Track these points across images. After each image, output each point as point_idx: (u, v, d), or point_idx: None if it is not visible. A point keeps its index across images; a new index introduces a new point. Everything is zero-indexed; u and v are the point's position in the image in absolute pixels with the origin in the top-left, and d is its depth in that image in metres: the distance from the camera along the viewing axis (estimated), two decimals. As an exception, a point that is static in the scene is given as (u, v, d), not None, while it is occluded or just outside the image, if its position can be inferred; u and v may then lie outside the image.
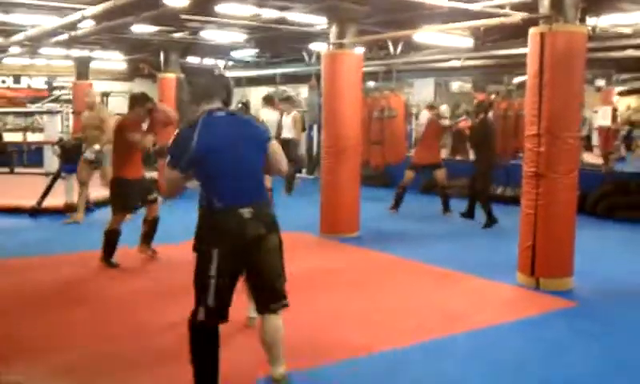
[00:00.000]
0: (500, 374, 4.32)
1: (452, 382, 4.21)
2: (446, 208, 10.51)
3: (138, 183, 6.94)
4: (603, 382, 4.26)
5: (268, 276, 3.70)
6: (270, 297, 3.72)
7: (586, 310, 5.78)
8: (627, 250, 8.29)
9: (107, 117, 9.77)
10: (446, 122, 11.17)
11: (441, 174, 10.53)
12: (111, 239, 6.94)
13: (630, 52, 11.36)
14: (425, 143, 10.50)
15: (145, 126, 6.96)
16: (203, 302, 3.57)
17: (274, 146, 3.85)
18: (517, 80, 15.55)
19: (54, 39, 12.16)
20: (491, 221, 9.49)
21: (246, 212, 3.57)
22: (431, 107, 11.30)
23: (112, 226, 6.95)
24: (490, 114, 12.03)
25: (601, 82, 19.11)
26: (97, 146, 9.47)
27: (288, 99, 12.72)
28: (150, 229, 7.22)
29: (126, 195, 6.88)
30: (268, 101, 12.41)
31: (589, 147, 16.63)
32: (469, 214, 10.09)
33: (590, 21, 9.53)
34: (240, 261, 3.63)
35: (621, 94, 20.30)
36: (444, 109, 11.60)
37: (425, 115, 10.58)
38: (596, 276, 6.80)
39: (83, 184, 9.60)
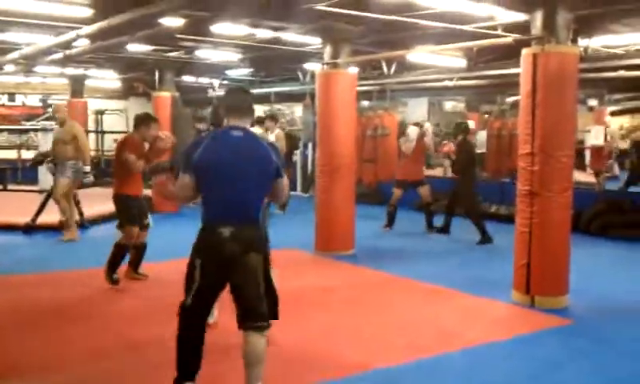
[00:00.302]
0: (495, 392, 4.34)
1: (447, 399, 4.21)
2: (430, 226, 10.59)
3: (137, 201, 6.91)
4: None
5: (244, 295, 3.73)
6: (246, 315, 3.72)
7: (580, 327, 5.79)
8: (622, 268, 8.33)
9: (80, 132, 9.61)
10: (430, 141, 11.18)
11: (425, 191, 10.63)
12: (118, 253, 6.85)
13: (622, 73, 11.48)
14: (412, 159, 10.57)
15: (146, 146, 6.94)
16: (184, 299, 3.80)
17: (283, 182, 3.94)
18: (510, 100, 15.67)
19: (49, 58, 12.21)
20: (485, 238, 9.54)
21: (226, 231, 3.67)
22: (418, 125, 11.35)
23: (123, 240, 6.87)
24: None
25: (593, 102, 19.25)
26: (87, 168, 9.39)
27: (272, 117, 12.80)
28: (138, 254, 7.10)
29: (129, 208, 6.82)
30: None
31: (581, 166, 16.69)
32: (444, 229, 10.34)
33: (582, 42, 9.63)
34: (221, 275, 3.76)
35: (613, 113, 20.44)
36: (427, 126, 11.62)
37: (414, 131, 10.60)
38: (591, 294, 6.82)
39: (66, 201, 9.46)
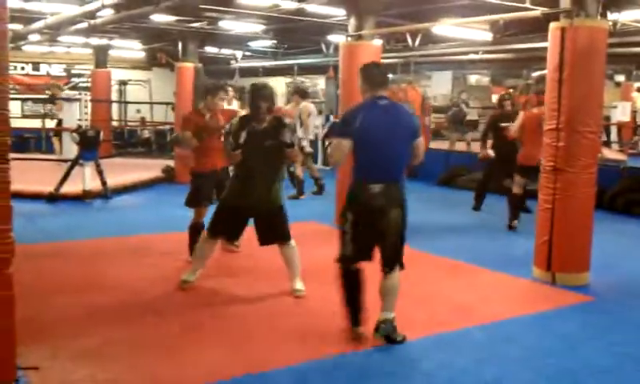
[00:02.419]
0: (512, 367, 4.33)
1: (463, 374, 4.21)
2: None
3: (209, 177, 6.44)
4: (616, 376, 4.26)
5: (386, 244, 4.46)
6: (386, 259, 4.48)
7: (601, 305, 5.76)
8: (644, 247, 8.24)
9: None
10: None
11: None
12: (192, 234, 6.48)
13: (651, 48, 11.28)
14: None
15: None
16: (341, 251, 4.53)
17: (420, 142, 4.57)
18: (536, 74, 15.48)
19: (74, 27, 12.26)
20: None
21: (376, 187, 4.34)
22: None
23: (194, 220, 6.56)
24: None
25: (620, 78, 18.98)
26: None
27: (297, 92, 12.74)
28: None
29: (196, 187, 6.47)
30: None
31: (607, 143, 16.51)
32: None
33: (612, 16, 9.46)
34: (369, 224, 4.42)
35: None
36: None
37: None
38: (612, 272, 6.78)
39: None
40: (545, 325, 5.21)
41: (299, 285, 5.68)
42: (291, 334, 4.77)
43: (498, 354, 4.54)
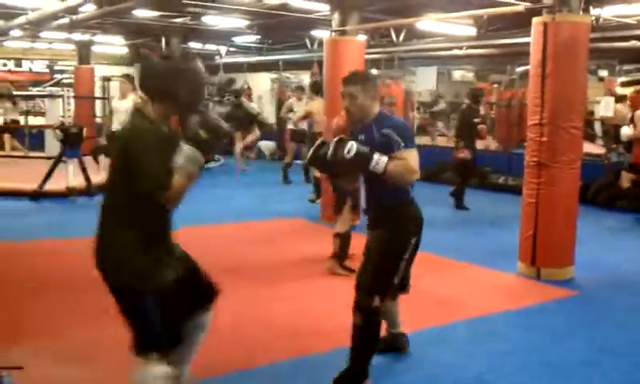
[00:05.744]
0: (497, 362, 4.34)
1: (449, 369, 4.21)
2: None
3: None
4: (601, 369, 4.28)
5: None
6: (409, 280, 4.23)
7: (586, 299, 5.79)
8: (627, 240, 8.30)
9: None
10: None
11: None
12: (345, 242, 6.32)
13: (634, 43, 11.35)
14: None
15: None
16: (387, 284, 3.84)
17: None
18: (520, 69, 15.52)
19: (55, 23, 12.15)
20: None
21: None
22: None
23: (342, 229, 6.33)
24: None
25: (604, 73, 19.07)
26: None
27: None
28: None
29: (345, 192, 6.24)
30: None
31: (591, 137, 16.60)
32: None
33: (594, 11, 9.50)
34: (417, 246, 3.94)
35: (623, 84, 20.25)
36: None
37: None
38: (596, 266, 6.82)
39: None
40: (529, 319, 5.23)
41: None
42: (283, 332, 4.77)
43: (483, 349, 4.55)
